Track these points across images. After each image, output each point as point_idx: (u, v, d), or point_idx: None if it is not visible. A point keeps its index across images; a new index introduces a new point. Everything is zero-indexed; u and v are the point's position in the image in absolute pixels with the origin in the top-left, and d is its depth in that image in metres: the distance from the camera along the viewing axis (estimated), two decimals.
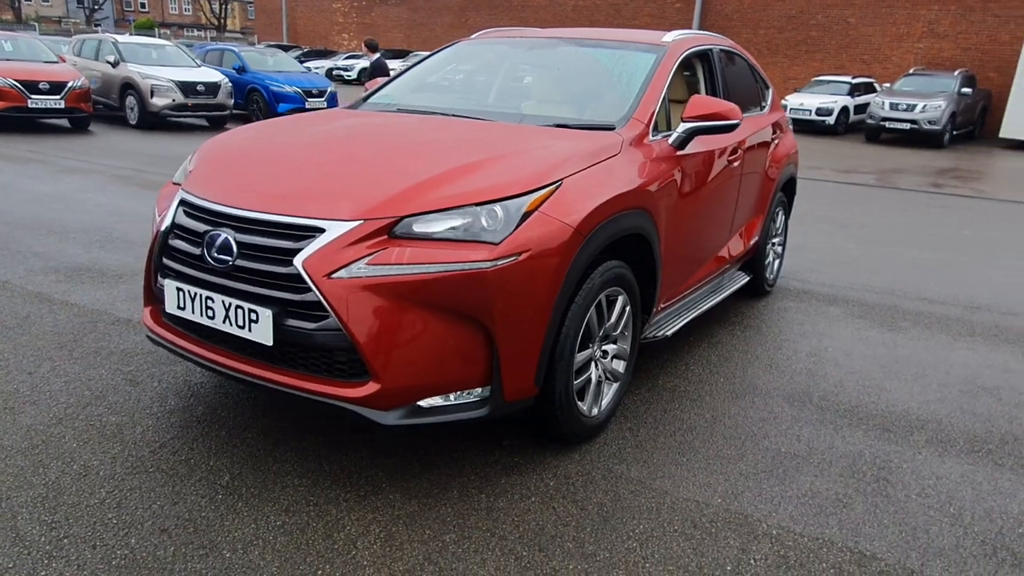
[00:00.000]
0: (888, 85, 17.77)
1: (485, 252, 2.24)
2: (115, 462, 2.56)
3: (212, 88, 13.28)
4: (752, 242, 4.41)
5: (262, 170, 2.60)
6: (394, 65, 30.75)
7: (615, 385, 2.95)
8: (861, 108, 17.63)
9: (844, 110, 17.41)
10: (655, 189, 2.94)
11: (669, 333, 3.36)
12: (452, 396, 2.36)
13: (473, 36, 4.20)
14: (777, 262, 5.11)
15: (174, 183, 2.95)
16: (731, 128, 3.16)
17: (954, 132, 16.26)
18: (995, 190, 11.07)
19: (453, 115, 3.20)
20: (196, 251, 2.44)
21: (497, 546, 2.22)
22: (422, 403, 2.32)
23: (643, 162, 2.92)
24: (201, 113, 13.31)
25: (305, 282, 2.22)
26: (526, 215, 2.33)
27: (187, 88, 12.88)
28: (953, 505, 2.58)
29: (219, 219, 2.41)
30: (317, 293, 2.20)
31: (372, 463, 2.63)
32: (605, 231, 2.60)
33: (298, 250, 2.25)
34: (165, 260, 2.57)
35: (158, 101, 12.66)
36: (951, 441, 3.04)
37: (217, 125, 13.61)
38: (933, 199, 10.03)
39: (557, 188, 2.45)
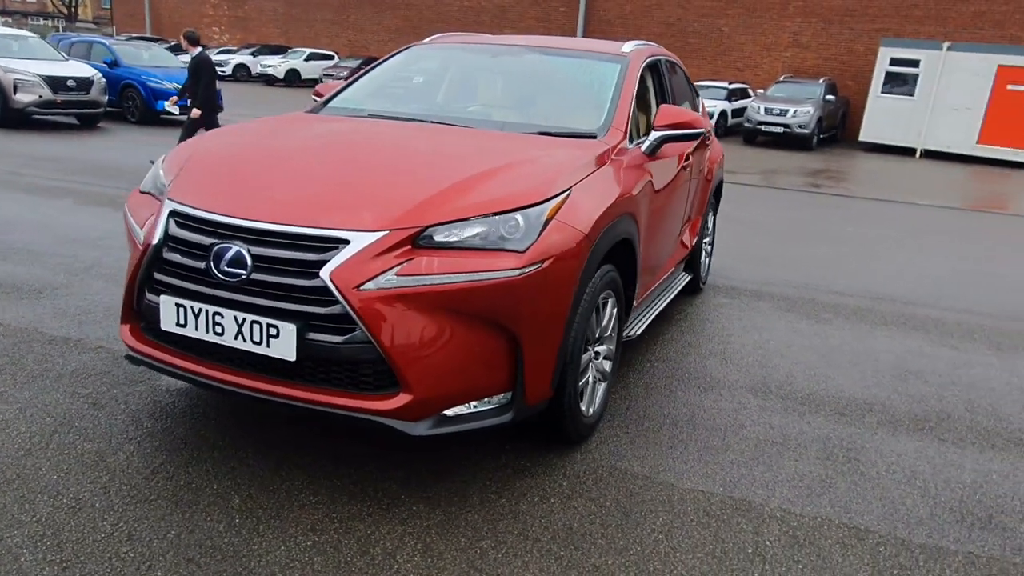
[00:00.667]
0: (762, 91, 19.01)
1: (513, 260, 2.27)
2: (108, 492, 2.39)
3: (84, 84, 12.30)
4: (694, 242, 4.65)
5: (266, 178, 2.50)
6: (272, 61, 29.79)
7: (604, 385, 3.06)
8: (738, 112, 18.77)
9: (723, 114, 18.48)
10: (637, 195, 3.06)
11: (639, 332, 3.50)
12: (475, 404, 2.37)
13: (427, 40, 4.18)
14: (708, 260, 5.41)
15: (144, 192, 2.79)
16: (698, 136, 3.35)
17: (821, 136, 17.65)
18: (864, 190, 12.12)
19: (433, 122, 3.20)
20: (200, 265, 2.32)
21: (533, 548, 2.27)
22: (448, 412, 2.33)
23: (627, 169, 3.04)
24: (72, 111, 12.31)
25: (332, 295, 2.18)
26: (545, 223, 2.38)
27: (56, 83, 11.87)
28: (918, 478, 2.86)
29: (227, 231, 2.30)
30: (346, 306, 2.16)
31: (383, 475, 2.60)
32: (607, 237, 2.69)
33: (323, 262, 2.19)
34: (159, 275, 2.42)
35: (23, 97, 11.60)
36: (898, 421, 3.37)
37: (89, 124, 12.65)
38: (815, 198, 10.87)
39: (568, 196, 2.51)
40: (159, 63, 15.34)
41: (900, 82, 17.54)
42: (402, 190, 2.38)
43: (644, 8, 23.53)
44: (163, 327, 2.40)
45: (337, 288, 2.16)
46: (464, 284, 2.22)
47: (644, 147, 3.29)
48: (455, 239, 2.29)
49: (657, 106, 3.79)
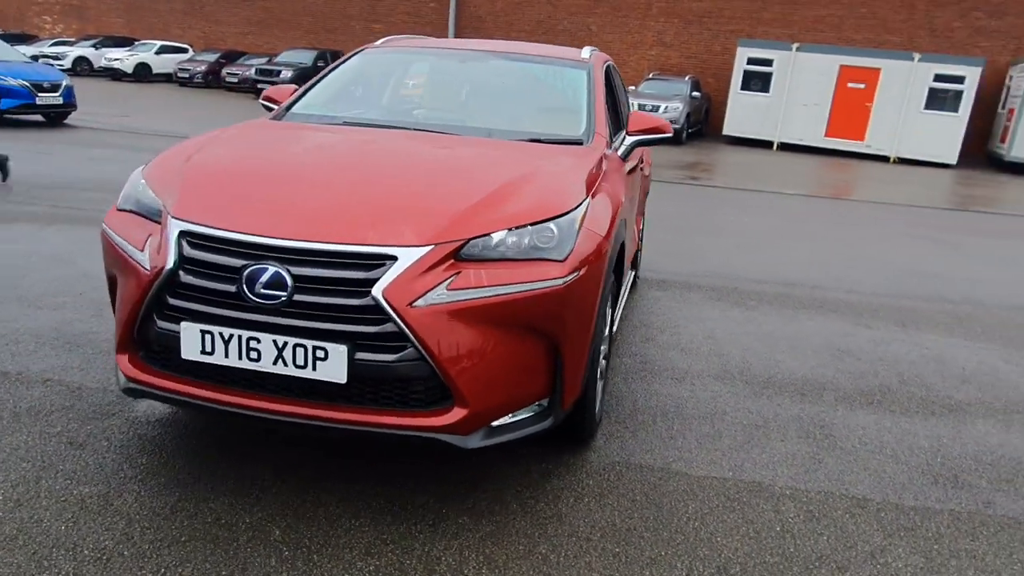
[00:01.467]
0: (632, 88, 19.86)
1: (555, 269, 2.31)
2: (131, 538, 2.21)
3: None
4: (639, 239, 4.86)
5: (285, 194, 2.39)
6: (118, 54, 27.51)
7: (602, 383, 3.16)
8: None
9: None
10: (623, 199, 3.19)
11: (614, 330, 3.64)
12: (518, 413, 2.40)
13: (378, 44, 4.10)
14: (640, 256, 5.66)
15: (124, 210, 2.59)
16: (666, 140, 3.52)
17: (689, 130, 18.71)
18: (738, 181, 12.99)
19: (422, 130, 3.15)
20: (229, 288, 2.19)
21: (588, 548, 2.33)
22: (495, 423, 2.34)
23: (615, 174, 3.15)
24: None
25: (383, 313, 2.13)
26: (577, 231, 2.44)
27: None
28: (886, 448, 3.18)
29: (260, 251, 2.18)
30: (400, 323, 2.12)
31: (417, 492, 2.57)
32: (616, 240, 2.79)
33: (373, 280, 2.14)
34: (174, 301, 2.26)
35: None
36: (850, 398, 3.71)
37: None
38: (696, 190, 11.54)
39: (589, 204, 2.58)
40: (1, 57, 13.83)
41: (757, 80, 18.92)
42: (437, 203, 2.36)
43: (514, 5, 23.88)
44: (184, 356, 2.24)
45: (391, 306, 2.12)
46: (512, 295, 2.23)
47: (620, 151, 3.42)
48: (494, 251, 2.30)
49: (611, 110, 3.93)
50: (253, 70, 23.12)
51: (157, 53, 26.98)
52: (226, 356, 2.21)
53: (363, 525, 2.36)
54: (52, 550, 2.14)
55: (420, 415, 2.23)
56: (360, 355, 2.16)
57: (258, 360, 2.19)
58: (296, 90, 3.82)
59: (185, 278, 2.25)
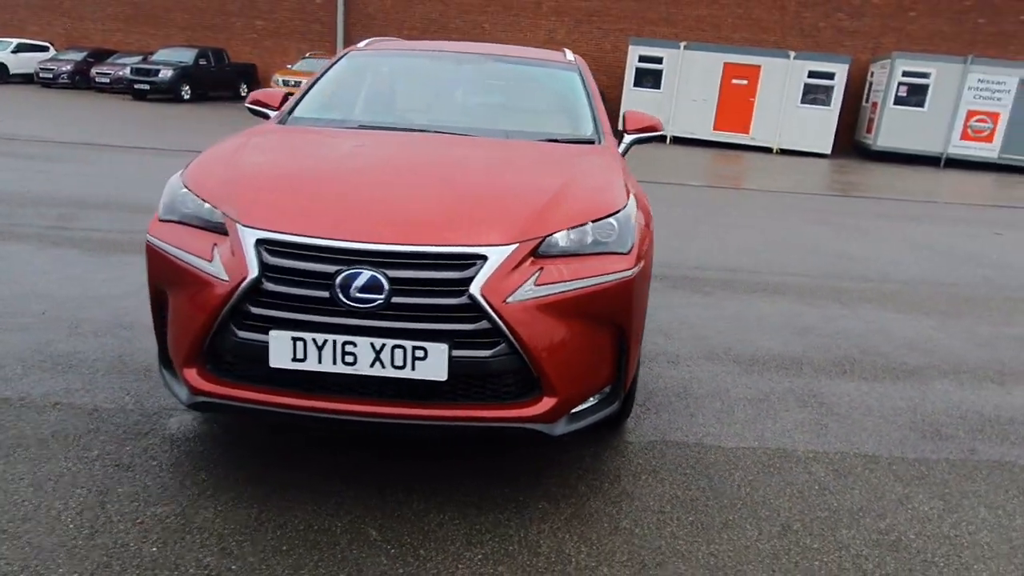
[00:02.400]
0: None
1: (624, 262, 2.47)
2: (231, 554, 2.19)
3: None
4: None
5: (362, 198, 2.41)
6: None
7: None
8: None
9: None
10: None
11: None
12: (591, 399, 2.54)
13: (362, 45, 4.09)
14: None
15: (169, 220, 2.52)
16: (661, 138, 3.74)
17: None
18: (642, 173, 13.56)
19: (445, 132, 3.20)
20: (322, 294, 2.20)
21: (665, 518, 2.51)
22: (574, 410, 2.47)
23: (627, 171, 3.34)
24: None
25: (479, 310, 2.21)
26: (633, 225, 2.61)
27: None
28: (873, 411, 3.55)
29: (353, 256, 2.20)
30: (497, 319, 2.21)
31: (489, 484, 2.66)
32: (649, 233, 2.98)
33: (469, 279, 2.21)
34: (257, 310, 2.24)
35: None
36: (825, 369, 4.08)
37: None
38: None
39: (633, 199, 2.75)
40: None
41: (648, 77, 19.76)
42: (511, 203, 2.45)
43: (405, 3, 23.71)
44: (273, 364, 2.23)
45: (488, 303, 2.20)
46: (592, 287, 2.37)
47: (621, 149, 3.61)
48: (566, 247, 2.42)
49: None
50: (128, 69, 21.71)
51: (14, 52, 24.81)
52: (319, 362, 2.22)
53: (452, 519, 2.43)
54: (154, 572, 2.08)
55: (512, 407, 2.32)
56: (456, 352, 2.22)
57: (354, 364, 2.21)
58: (286, 93, 3.76)
59: (269, 286, 2.23)
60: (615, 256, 2.47)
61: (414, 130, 3.22)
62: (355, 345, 2.20)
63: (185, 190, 2.56)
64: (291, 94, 3.62)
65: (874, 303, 5.54)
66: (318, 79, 3.75)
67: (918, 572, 2.32)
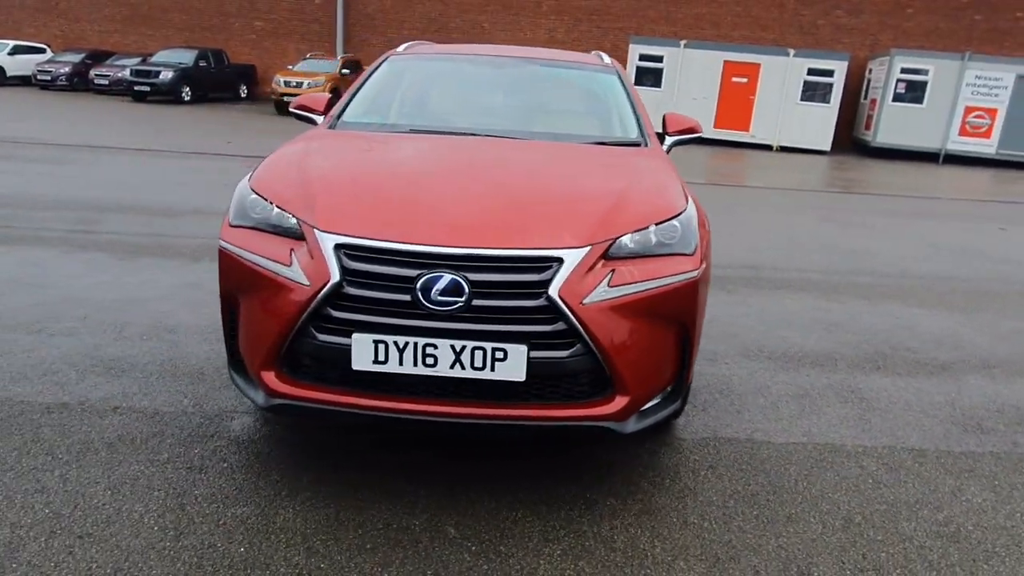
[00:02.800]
0: None
1: (689, 262, 2.52)
2: (317, 552, 2.24)
3: None
4: None
5: (437, 203, 2.45)
6: None
7: None
8: None
9: None
10: None
11: None
12: (655, 396, 2.59)
13: (400, 50, 4.13)
14: None
15: (240, 226, 2.56)
16: (699, 139, 3.81)
17: None
18: None
19: (497, 136, 3.24)
20: (404, 297, 2.24)
21: (731, 512, 2.57)
22: (643, 408, 2.52)
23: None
24: None
25: (556, 312, 2.26)
26: (696, 226, 2.66)
27: None
28: (913, 405, 3.62)
29: (434, 260, 2.25)
30: (574, 321, 2.26)
31: (556, 482, 2.71)
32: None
33: (547, 282, 2.27)
34: (338, 314, 2.28)
35: None
36: (859, 365, 4.15)
37: None
38: None
39: (692, 201, 2.81)
40: None
41: (649, 75, 19.83)
42: (581, 206, 2.51)
43: (405, 3, 23.71)
44: (355, 367, 2.28)
45: (567, 305, 2.25)
46: (661, 288, 2.42)
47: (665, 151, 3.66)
48: (633, 249, 2.48)
49: None
50: (128, 71, 21.65)
51: (10, 54, 24.70)
52: (400, 364, 2.26)
53: (525, 516, 2.48)
54: (247, 571, 2.13)
55: (586, 406, 2.38)
56: (535, 354, 2.28)
57: (435, 365, 2.26)
58: (329, 98, 3.81)
59: (350, 290, 2.28)
60: (681, 257, 2.52)
61: (465, 134, 3.27)
62: (436, 347, 2.25)
63: (255, 196, 2.61)
64: (334, 99, 3.65)
65: (896, 299, 5.61)
66: (362, 84, 3.78)
67: (982, 562, 2.39)
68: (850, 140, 21.02)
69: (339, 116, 3.54)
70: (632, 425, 2.46)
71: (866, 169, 16.77)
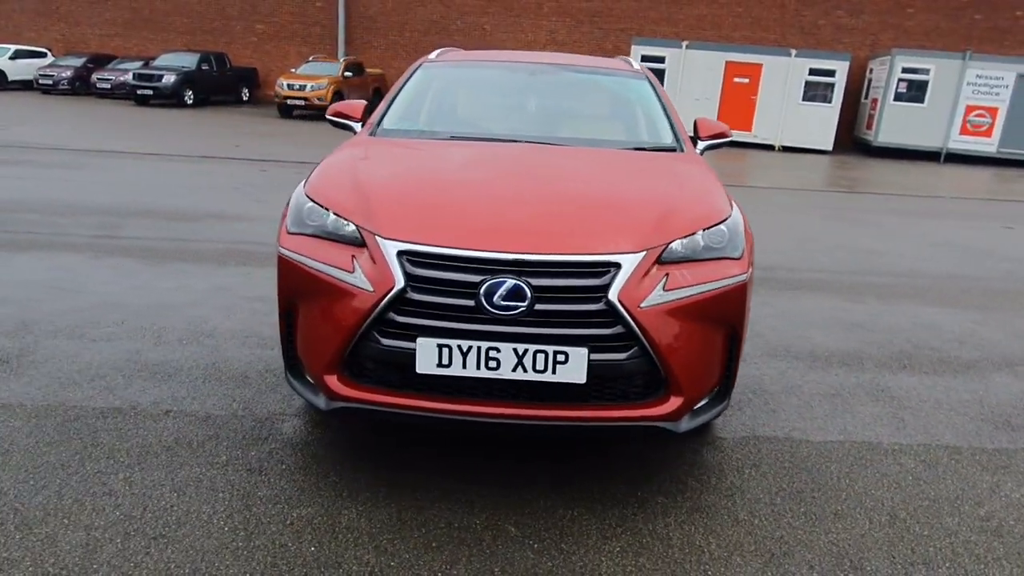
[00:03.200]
0: None
1: (737, 266, 2.59)
2: (385, 551, 2.31)
3: None
4: None
5: (496, 209, 2.53)
6: None
7: None
8: None
9: None
10: None
11: None
12: (705, 396, 2.66)
13: (432, 56, 4.20)
14: None
15: (298, 233, 2.62)
16: (730, 143, 3.88)
17: None
18: None
19: (530, 141, 3.31)
20: (468, 303, 2.31)
21: (778, 510, 2.64)
22: (695, 408, 2.59)
23: None
24: None
25: (615, 316, 2.33)
26: (742, 231, 2.73)
27: None
28: (942, 403, 3.69)
29: (497, 266, 2.32)
30: (633, 324, 2.33)
31: (607, 481, 2.78)
32: None
33: (606, 286, 2.33)
34: (402, 319, 2.34)
35: None
36: (885, 364, 4.23)
37: None
38: None
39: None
40: None
41: None
42: (635, 211, 2.58)
43: (406, 5, 23.77)
44: (419, 371, 2.34)
45: (626, 309, 2.32)
46: (713, 291, 2.50)
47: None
48: (683, 254, 2.55)
49: None
50: (130, 75, 21.70)
51: (12, 58, 24.71)
52: (464, 367, 2.33)
53: (582, 515, 2.55)
54: (320, 570, 2.19)
55: (642, 406, 2.45)
56: (595, 356, 2.34)
57: (497, 368, 2.33)
58: (366, 105, 3.87)
59: (414, 296, 2.34)
60: (730, 261, 2.59)
61: (507, 140, 3.33)
62: (499, 351, 2.31)
63: (311, 204, 2.67)
64: (371, 106, 3.72)
65: (912, 299, 5.69)
66: (398, 91, 3.85)
67: None
68: (851, 140, 21.13)
69: (379, 123, 3.60)
70: (685, 424, 2.53)
71: (869, 168, 16.87)
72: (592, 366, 2.33)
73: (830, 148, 19.58)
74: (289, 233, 2.67)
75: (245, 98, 24.57)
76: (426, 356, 2.33)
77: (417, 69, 4.04)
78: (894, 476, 2.94)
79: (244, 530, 2.37)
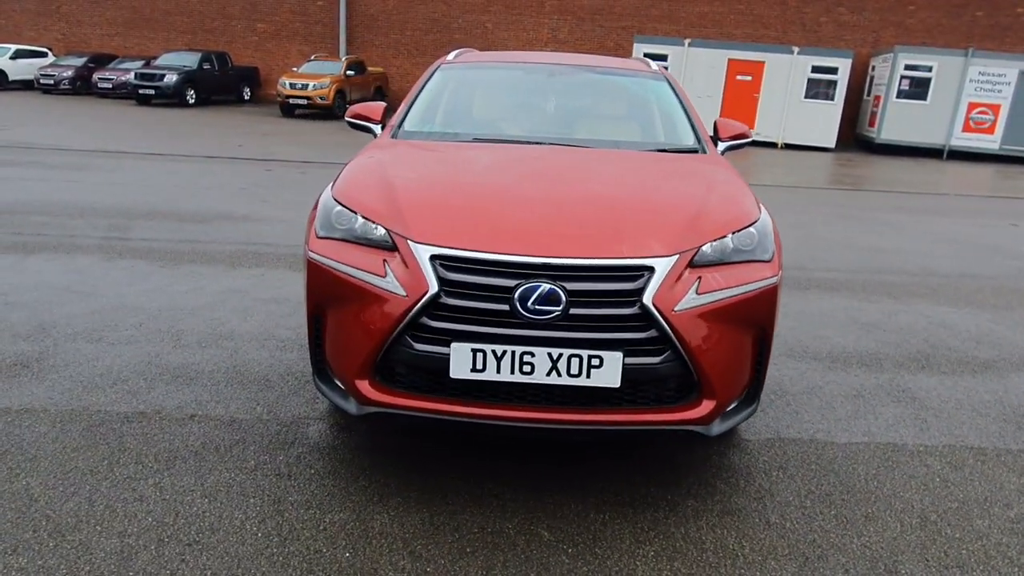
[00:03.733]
0: None
1: (768, 269, 2.59)
2: (420, 557, 2.30)
3: None
4: None
5: (528, 213, 2.52)
6: None
7: None
8: None
9: None
10: None
11: None
12: (735, 399, 2.66)
13: (450, 58, 4.19)
14: None
15: (327, 238, 2.61)
16: (750, 143, 3.87)
17: None
18: None
19: (554, 143, 3.31)
20: (502, 307, 2.30)
21: (809, 512, 2.64)
22: (726, 411, 2.59)
23: None
24: None
25: (649, 319, 2.33)
26: (771, 233, 2.73)
27: None
28: (964, 404, 3.69)
29: (532, 271, 2.31)
30: (667, 328, 2.33)
31: (638, 485, 2.77)
32: None
33: (640, 290, 2.33)
34: (436, 324, 2.34)
35: None
36: (904, 365, 4.22)
37: None
38: None
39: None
40: None
41: None
42: (666, 215, 2.58)
43: (407, 3, 23.73)
44: (454, 375, 2.33)
45: (660, 313, 2.32)
46: (745, 294, 2.49)
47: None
48: (714, 257, 2.54)
49: None
50: (132, 74, 21.65)
51: (12, 58, 24.65)
52: (498, 372, 2.32)
53: (613, 519, 2.54)
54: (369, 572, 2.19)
55: (675, 410, 2.44)
56: (629, 360, 2.34)
57: (531, 373, 2.32)
58: (385, 107, 3.86)
59: (448, 300, 2.34)
60: (760, 264, 2.59)
61: (530, 142, 3.33)
62: (533, 355, 2.31)
63: (340, 207, 2.66)
64: (389, 108, 3.71)
65: (925, 298, 5.69)
66: (418, 93, 3.84)
67: None
68: (854, 137, 21.13)
69: (399, 125, 3.59)
70: (716, 428, 2.53)
71: (872, 166, 16.87)
72: (626, 370, 2.33)
73: (833, 145, 19.58)
74: (318, 237, 2.66)
75: (247, 97, 24.54)
76: (460, 361, 2.32)
77: (436, 71, 4.02)
78: (921, 478, 2.93)
79: (278, 535, 2.36)
